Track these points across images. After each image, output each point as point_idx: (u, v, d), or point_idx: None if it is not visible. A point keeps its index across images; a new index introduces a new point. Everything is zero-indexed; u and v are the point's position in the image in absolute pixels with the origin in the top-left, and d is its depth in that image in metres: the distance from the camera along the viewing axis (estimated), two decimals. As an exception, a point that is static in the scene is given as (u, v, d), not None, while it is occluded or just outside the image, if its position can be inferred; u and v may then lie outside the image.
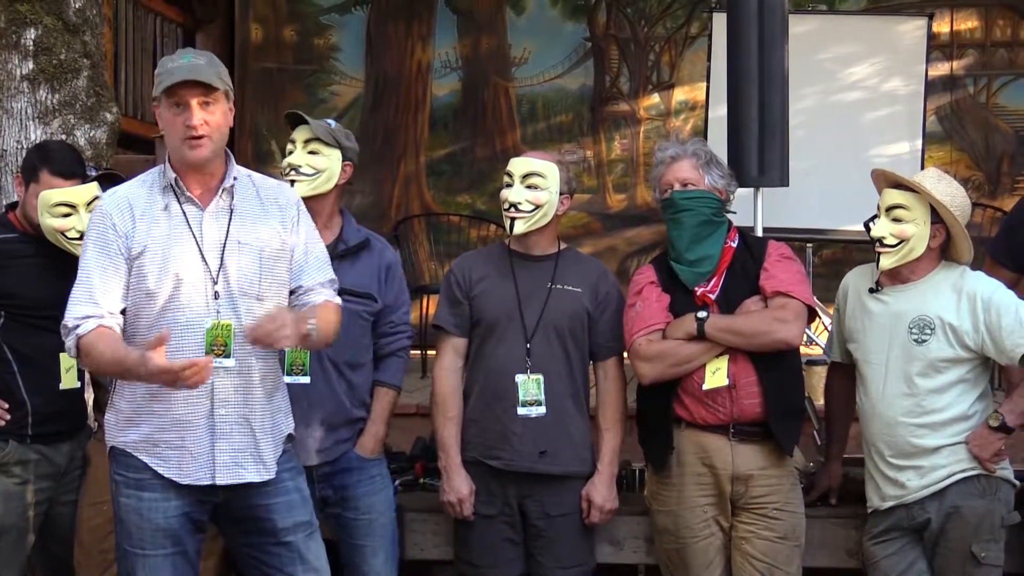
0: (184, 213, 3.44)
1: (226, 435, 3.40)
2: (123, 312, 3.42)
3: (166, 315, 3.38)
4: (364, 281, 4.08)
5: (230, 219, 3.45)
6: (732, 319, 3.94)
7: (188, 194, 3.44)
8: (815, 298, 4.13)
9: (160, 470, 3.41)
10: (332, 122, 4.18)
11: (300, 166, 4.06)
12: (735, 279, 4.02)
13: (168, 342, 3.21)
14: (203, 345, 3.35)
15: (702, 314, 3.93)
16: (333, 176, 4.09)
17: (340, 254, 4.06)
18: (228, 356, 3.38)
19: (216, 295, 3.39)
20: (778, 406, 3.96)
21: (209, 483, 3.41)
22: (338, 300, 3.56)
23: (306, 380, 3.98)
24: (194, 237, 3.42)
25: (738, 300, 3.98)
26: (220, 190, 3.46)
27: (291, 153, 4.10)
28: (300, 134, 4.12)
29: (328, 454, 4.04)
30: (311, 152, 4.08)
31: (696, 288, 4.01)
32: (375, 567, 4.09)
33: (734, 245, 4.07)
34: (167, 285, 3.38)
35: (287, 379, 3.88)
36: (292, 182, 4.02)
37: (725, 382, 3.93)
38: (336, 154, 4.10)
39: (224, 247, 3.42)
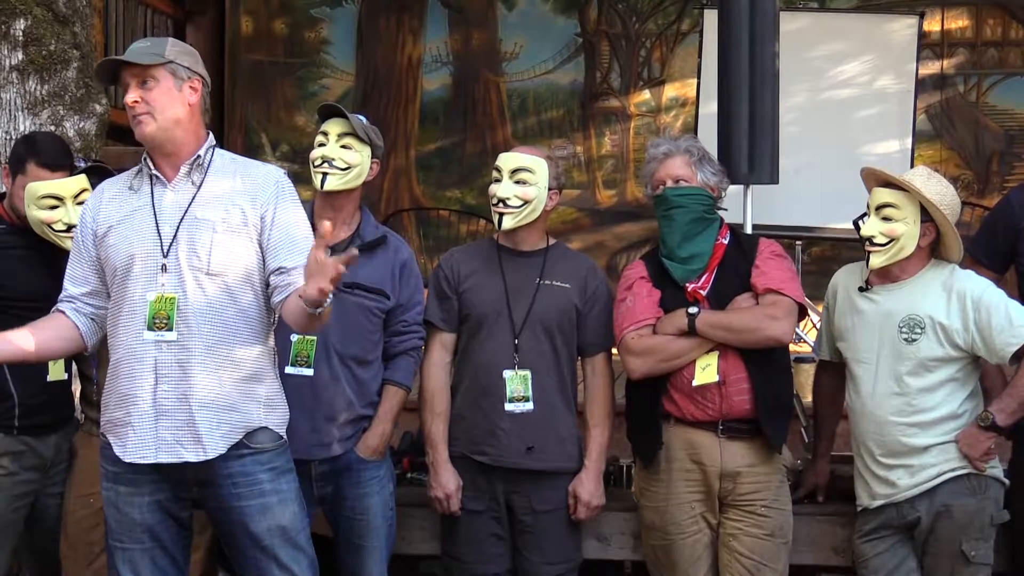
0: (151, 190, 3.47)
1: (168, 412, 3.38)
2: (96, 293, 3.52)
3: (122, 289, 3.42)
4: (378, 277, 4.05)
5: (194, 195, 3.45)
6: (723, 315, 3.95)
7: (155, 172, 3.47)
8: (805, 296, 4.14)
9: (115, 448, 3.42)
10: (363, 118, 4.14)
11: (334, 159, 4.02)
12: (726, 276, 4.02)
13: None
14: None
15: (693, 309, 3.93)
16: (363, 173, 4.07)
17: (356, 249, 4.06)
18: (170, 329, 3.37)
19: (164, 268, 3.39)
20: (767, 403, 3.96)
21: (153, 461, 3.38)
22: None
23: (309, 372, 3.96)
24: (153, 212, 3.44)
25: (729, 296, 3.99)
26: (187, 167, 3.47)
27: (322, 145, 4.05)
28: (334, 127, 4.07)
29: (329, 450, 4.00)
30: (344, 146, 4.04)
31: (687, 284, 4.01)
32: (370, 567, 4.07)
33: (725, 242, 4.07)
34: (123, 259, 3.42)
35: (290, 369, 3.87)
36: (324, 175, 4.01)
37: (715, 378, 3.94)
38: (367, 151, 4.07)
39: (180, 221, 3.42)
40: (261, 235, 3.45)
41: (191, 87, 3.47)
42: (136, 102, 3.41)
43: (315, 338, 3.95)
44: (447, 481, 4.10)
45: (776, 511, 4.01)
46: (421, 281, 4.20)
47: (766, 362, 3.97)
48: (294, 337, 3.92)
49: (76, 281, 3.53)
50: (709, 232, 4.04)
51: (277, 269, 3.43)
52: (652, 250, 4.19)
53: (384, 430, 4.08)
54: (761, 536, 3.98)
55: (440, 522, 4.24)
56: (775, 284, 3.96)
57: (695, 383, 3.94)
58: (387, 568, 4.15)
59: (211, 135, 3.56)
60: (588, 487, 4.11)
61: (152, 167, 3.48)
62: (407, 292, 4.12)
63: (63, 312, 3.53)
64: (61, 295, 3.55)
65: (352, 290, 4.00)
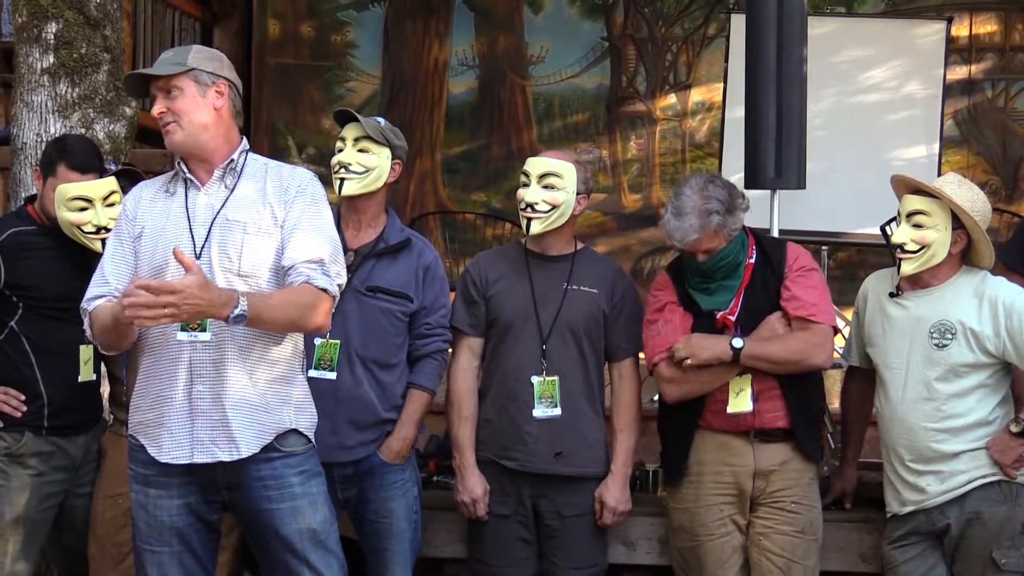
0: (186, 193, 3.50)
1: (203, 412, 3.39)
2: None
3: None
4: (401, 280, 4.05)
5: (226, 199, 3.48)
6: (765, 346, 3.90)
7: (189, 176, 3.50)
8: (834, 308, 4.10)
9: (149, 449, 3.44)
10: (382, 120, 4.14)
11: (350, 164, 4.04)
12: (755, 295, 3.98)
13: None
14: None
15: (738, 343, 3.89)
16: (383, 175, 4.07)
17: (379, 252, 4.06)
18: (204, 330, 3.38)
19: None
20: (802, 416, 3.97)
21: (188, 461, 3.40)
22: (323, 281, 3.40)
23: (332, 376, 3.96)
24: (187, 214, 3.46)
25: (759, 316, 3.96)
26: (220, 171, 3.49)
27: (340, 151, 4.07)
28: (350, 132, 4.09)
29: (351, 453, 3.99)
30: (361, 150, 4.05)
31: (716, 312, 3.98)
32: (394, 571, 4.07)
33: (753, 261, 4.02)
34: (157, 260, 3.43)
35: (313, 373, 3.86)
36: (342, 180, 4.02)
37: (749, 407, 3.94)
38: (385, 152, 4.08)
39: (212, 223, 3.44)
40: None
41: (216, 91, 3.49)
42: (163, 112, 3.45)
43: (338, 341, 3.96)
44: (474, 485, 4.10)
45: (806, 507, 4.01)
46: (447, 284, 4.20)
47: (800, 376, 3.96)
48: (318, 340, 3.93)
49: (119, 278, 3.48)
50: (740, 267, 4.00)
51: (289, 268, 3.43)
52: (679, 262, 4.10)
53: (407, 434, 4.07)
54: (792, 533, 3.98)
55: (467, 526, 4.24)
56: (807, 311, 3.91)
57: (729, 410, 3.95)
58: (412, 571, 4.15)
59: (245, 139, 3.58)
60: (615, 492, 4.11)
61: (186, 171, 3.51)
62: (431, 295, 4.11)
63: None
64: (99, 291, 3.48)
65: (374, 293, 4.00)
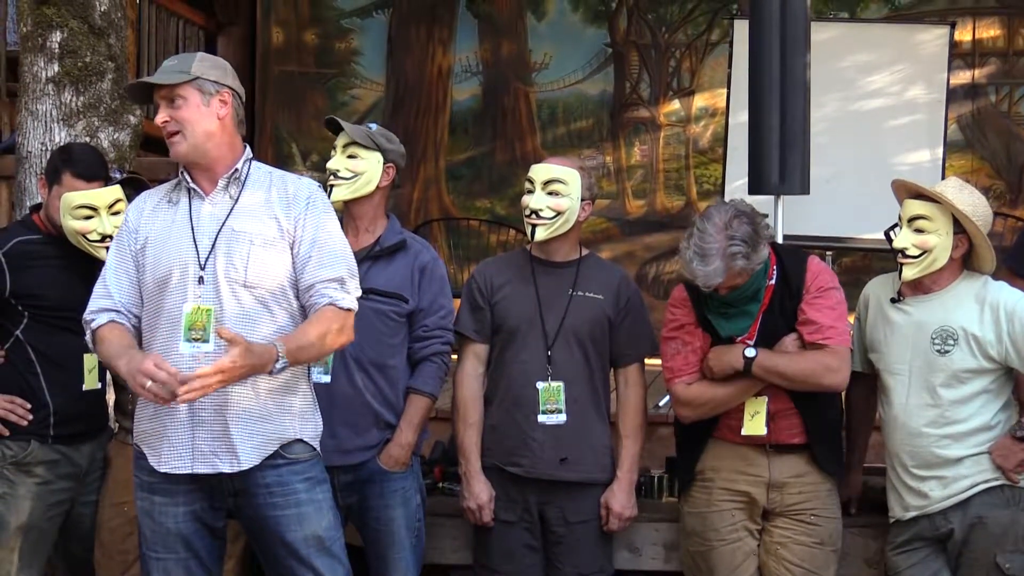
0: (189, 204, 3.50)
1: (204, 423, 3.40)
2: (137, 303, 3.50)
3: (159, 301, 3.44)
4: (396, 281, 4.05)
5: (231, 209, 3.48)
6: (779, 360, 3.88)
7: (193, 185, 3.51)
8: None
9: (149, 459, 3.45)
10: (373, 125, 4.17)
11: (338, 170, 4.06)
12: (773, 318, 3.94)
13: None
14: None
15: (750, 352, 3.87)
16: (372, 179, 4.08)
17: (375, 255, 4.06)
18: (206, 341, 3.39)
19: (200, 280, 3.42)
20: (818, 434, 3.97)
21: (188, 471, 3.41)
22: (346, 301, 3.46)
23: (327, 378, 3.95)
24: (191, 224, 3.47)
25: (775, 337, 3.93)
26: (225, 181, 3.50)
27: (332, 159, 4.11)
28: (340, 139, 4.11)
29: (349, 457, 3.99)
30: (349, 156, 4.07)
31: (735, 338, 3.95)
32: None
33: (773, 283, 3.96)
34: (161, 271, 3.44)
35: None
36: (331, 187, 4.03)
37: (763, 431, 3.93)
38: (375, 156, 4.09)
39: (217, 234, 3.45)
40: (293, 248, 3.48)
41: (220, 100, 3.50)
42: (166, 121, 3.46)
43: None
44: (480, 492, 4.10)
45: (826, 519, 4.00)
46: (447, 286, 4.18)
47: (816, 394, 3.94)
48: None
49: (122, 291, 3.50)
50: (761, 291, 3.95)
51: (308, 287, 3.45)
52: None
53: (406, 440, 4.05)
54: (811, 544, 3.98)
55: (473, 532, 4.24)
56: (822, 336, 3.88)
57: (744, 432, 3.95)
58: (417, 577, 4.16)
59: (248, 148, 3.59)
60: (620, 498, 4.11)
61: (190, 180, 3.51)
62: (428, 296, 4.10)
63: (120, 324, 3.48)
64: (103, 304, 3.49)
65: (366, 295, 4.00)
